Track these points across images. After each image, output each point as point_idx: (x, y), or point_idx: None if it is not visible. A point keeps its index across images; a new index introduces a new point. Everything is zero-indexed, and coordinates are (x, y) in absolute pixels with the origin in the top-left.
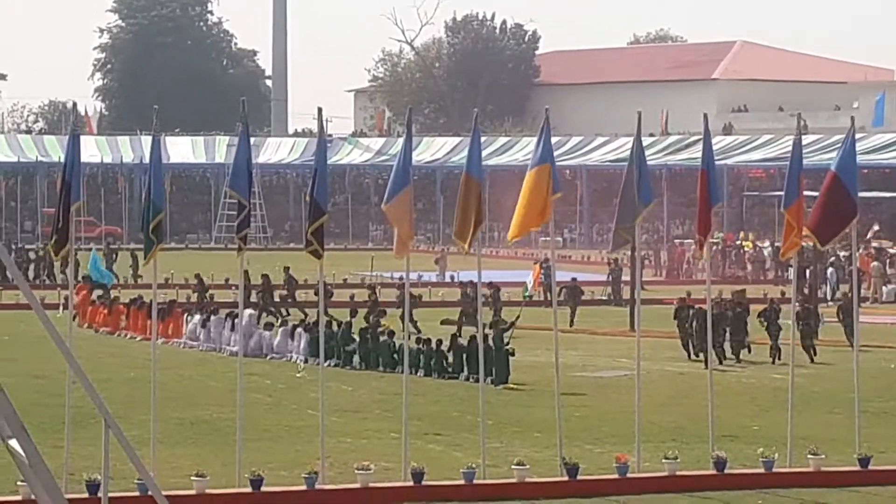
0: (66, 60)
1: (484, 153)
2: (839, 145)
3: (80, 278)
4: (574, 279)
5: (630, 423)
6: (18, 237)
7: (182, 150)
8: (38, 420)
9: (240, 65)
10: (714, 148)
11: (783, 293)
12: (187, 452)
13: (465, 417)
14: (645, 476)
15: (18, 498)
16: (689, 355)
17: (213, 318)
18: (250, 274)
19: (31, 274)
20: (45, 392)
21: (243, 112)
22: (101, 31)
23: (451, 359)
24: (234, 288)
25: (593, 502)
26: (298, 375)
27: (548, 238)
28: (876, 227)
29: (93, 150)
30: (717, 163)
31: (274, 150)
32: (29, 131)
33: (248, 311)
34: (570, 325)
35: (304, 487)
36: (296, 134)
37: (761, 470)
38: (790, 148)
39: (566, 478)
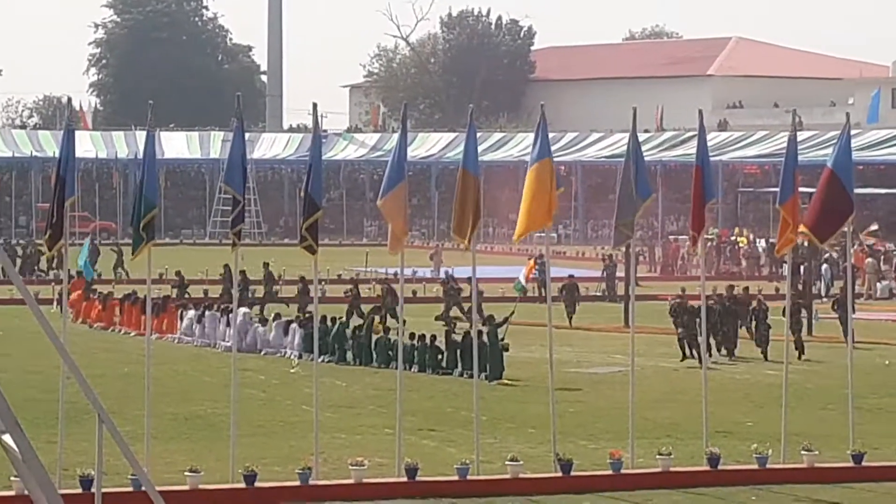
0: (61, 55)
1: (479, 149)
2: (834, 142)
3: (73, 273)
4: (571, 276)
5: (624, 419)
6: (13, 232)
7: (177, 145)
8: (31, 415)
9: (235, 60)
10: (709, 144)
11: (777, 289)
12: (181, 448)
13: (459, 413)
14: (639, 472)
15: (12, 493)
16: (684, 354)
17: (207, 313)
18: (246, 271)
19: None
20: (39, 387)
21: (238, 107)
22: (96, 26)
23: (445, 354)
24: (221, 282)
25: (587, 498)
26: (292, 371)
27: (542, 234)
28: (874, 227)
29: (87, 145)
30: (711, 159)
31: (269, 146)
32: (23, 126)
33: (243, 310)
34: (570, 324)
35: (297, 483)
36: (291, 129)
37: (755, 466)
38: (785, 144)
39: (560, 474)
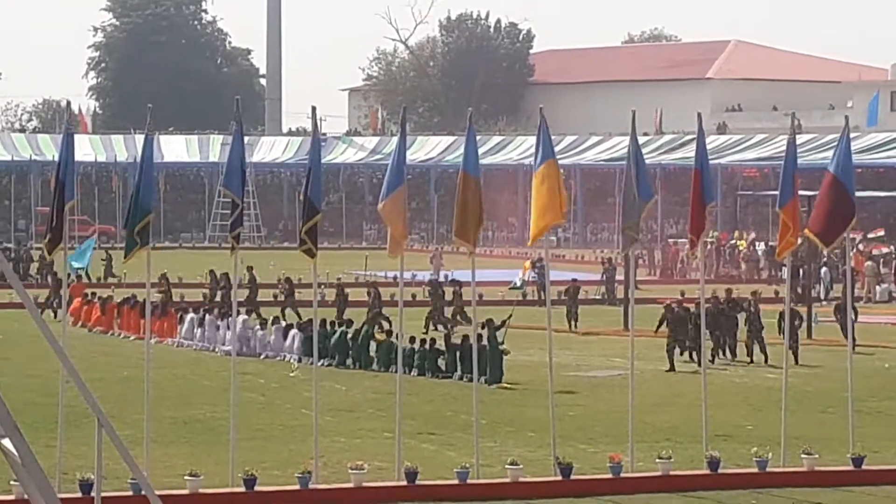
0: (61, 59)
1: (478, 152)
2: (833, 145)
3: (73, 277)
4: (574, 280)
5: (624, 422)
6: (12, 236)
7: (176, 148)
8: (31, 419)
9: (234, 63)
10: (708, 147)
11: (777, 293)
12: (181, 452)
13: (459, 417)
14: (638, 476)
15: (11, 497)
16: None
17: (207, 317)
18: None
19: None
20: (39, 391)
21: (237, 111)
22: (96, 29)
23: (445, 358)
24: (205, 286)
25: (587, 502)
26: (292, 375)
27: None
28: (881, 232)
29: (87, 148)
30: (710, 162)
31: (268, 149)
32: (23, 130)
33: (242, 317)
34: (571, 329)
35: (297, 487)
36: (290, 133)
37: (755, 470)
38: (784, 147)
39: (560, 477)
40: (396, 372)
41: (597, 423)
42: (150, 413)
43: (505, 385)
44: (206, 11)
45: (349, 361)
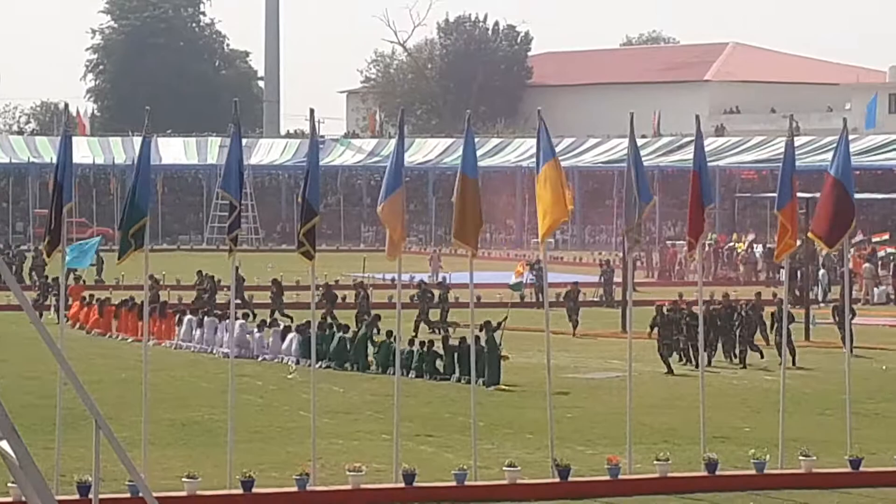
0: (59, 61)
1: (476, 154)
2: (831, 147)
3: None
4: (576, 283)
5: (622, 424)
6: (10, 238)
7: (174, 151)
8: (28, 421)
9: (232, 66)
10: (706, 149)
11: (774, 294)
12: (178, 454)
13: (457, 419)
14: (636, 478)
15: (9, 500)
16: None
17: (206, 319)
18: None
19: None
20: (36, 393)
21: (235, 113)
22: (94, 31)
23: (443, 359)
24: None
25: None
26: (290, 377)
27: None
28: (886, 236)
29: (85, 151)
30: (708, 164)
31: (266, 152)
32: (21, 132)
33: (240, 322)
34: (574, 333)
35: (295, 489)
36: (288, 135)
37: (753, 471)
38: (782, 149)
39: (558, 479)
40: (394, 374)
41: (595, 424)
42: (148, 415)
43: (503, 387)
44: (204, 14)
45: (347, 365)
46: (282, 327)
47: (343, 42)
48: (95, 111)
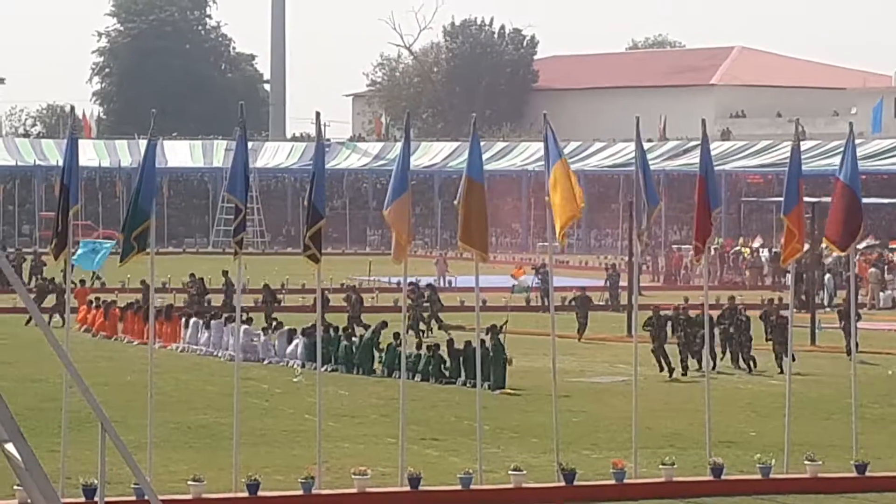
0: (65, 64)
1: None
2: (837, 151)
3: (77, 282)
4: (583, 288)
5: (627, 428)
6: (16, 241)
7: (180, 154)
8: (34, 424)
9: (238, 69)
10: (712, 153)
11: (780, 299)
12: (184, 457)
13: (462, 422)
14: (642, 482)
15: (15, 502)
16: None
17: (213, 322)
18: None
19: None
20: (42, 396)
21: (241, 116)
22: (100, 34)
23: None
24: (187, 290)
25: None
26: (295, 380)
27: (545, 243)
28: None
29: (91, 154)
30: (715, 168)
31: (272, 155)
32: (27, 135)
33: (244, 327)
34: (580, 339)
35: (300, 492)
36: (294, 138)
37: (758, 476)
38: (788, 154)
39: (563, 483)
40: (400, 377)
41: (600, 429)
42: (154, 418)
43: (508, 391)
44: (210, 17)
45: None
46: (286, 330)
47: (349, 45)
48: (101, 114)
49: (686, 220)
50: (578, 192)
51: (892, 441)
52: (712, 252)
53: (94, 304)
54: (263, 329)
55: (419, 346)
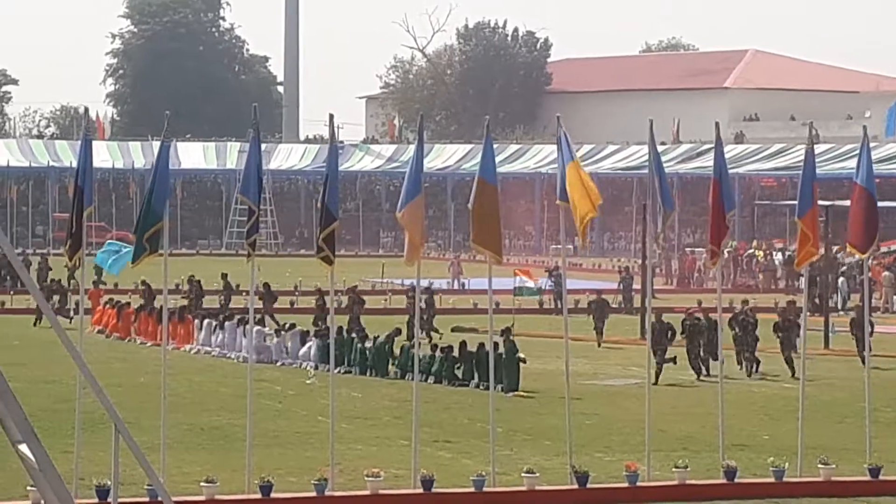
0: (78, 66)
1: (495, 160)
2: (851, 155)
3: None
4: (599, 292)
5: (640, 431)
6: (30, 242)
7: (194, 155)
8: (48, 425)
9: (251, 71)
10: (725, 157)
11: (794, 302)
12: (197, 458)
13: (475, 425)
14: (655, 485)
15: (28, 503)
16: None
17: (227, 323)
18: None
19: None
20: (56, 397)
21: (255, 118)
22: (114, 36)
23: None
24: (184, 292)
25: None
26: (308, 382)
27: (559, 246)
28: None
29: (104, 155)
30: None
31: (285, 157)
32: (41, 136)
33: (257, 328)
34: (599, 344)
35: (313, 494)
36: (307, 140)
37: (772, 479)
38: (801, 157)
39: (576, 486)
40: (413, 380)
41: (613, 431)
42: (167, 419)
43: (521, 393)
44: (223, 19)
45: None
46: (300, 332)
47: (362, 47)
48: (115, 115)
49: (699, 224)
50: (594, 190)
51: None
52: (725, 255)
53: (107, 305)
54: (276, 331)
55: (433, 348)
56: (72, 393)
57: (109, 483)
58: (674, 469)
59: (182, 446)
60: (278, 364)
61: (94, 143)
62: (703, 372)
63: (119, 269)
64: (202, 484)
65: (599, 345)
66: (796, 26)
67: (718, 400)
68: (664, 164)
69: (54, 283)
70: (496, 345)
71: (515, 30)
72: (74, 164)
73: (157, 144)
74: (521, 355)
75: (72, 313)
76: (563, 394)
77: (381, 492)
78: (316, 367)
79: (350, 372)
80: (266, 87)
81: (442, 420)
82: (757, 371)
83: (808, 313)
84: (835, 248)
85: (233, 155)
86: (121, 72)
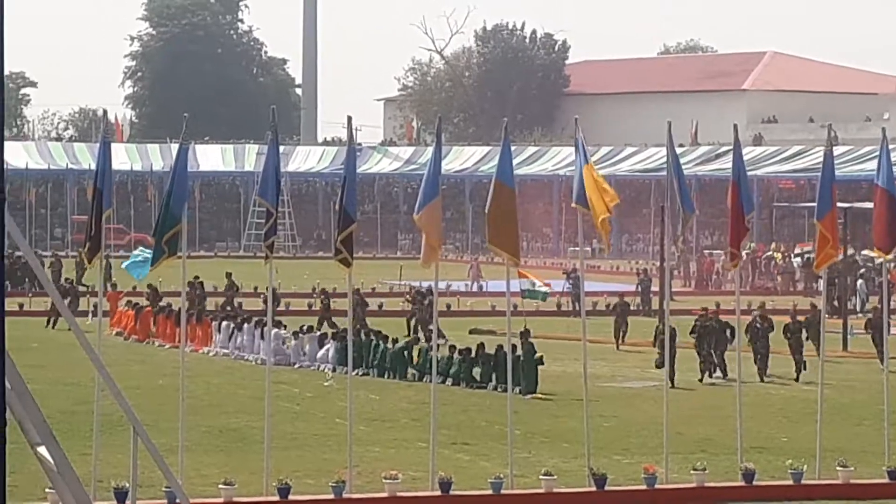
0: (97, 68)
1: (513, 163)
2: (869, 157)
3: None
4: (622, 294)
5: (658, 434)
6: (48, 244)
7: (212, 158)
8: (66, 427)
9: (270, 73)
10: (744, 159)
11: (813, 305)
12: (215, 460)
13: (493, 427)
14: (673, 487)
15: None
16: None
17: (246, 325)
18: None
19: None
20: (74, 399)
21: (273, 120)
22: (132, 38)
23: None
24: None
25: None
26: (326, 384)
27: (576, 248)
28: None
29: (123, 157)
30: (747, 173)
31: (303, 159)
32: (59, 138)
33: (275, 331)
34: (618, 348)
35: (331, 496)
36: (325, 142)
37: (790, 482)
38: (820, 159)
39: (594, 488)
40: (431, 382)
41: (631, 434)
42: (185, 421)
43: (539, 395)
44: (242, 21)
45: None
46: (318, 334)
47: (380, 50)
48: (133, 118)
49: (717, 226)
50: (608, 191)
51: None
52: (744, 257)
53: (135, 306)
54: (294, 333)
55: (451, 350)
56: (90, 395)
57: (128, 485)
58: (692, 471)
59: (200, 448)
60: (296, 366)
61: (113, 145)
62: (716, 374)
63: (140, 273)
64: (220, 486)
65: (618, 347)
66: (815, 28)
67: (736, 402)
68: (682, 166)
69: (68, 281)
70: (514, 347)
71: (533, 32)
72: (93, 167)
73: (175, 147)
74: (540, 354)
75: (90, 317)
76: (581, 396)
77: (399, 494)
78: (334, 370)
79: (368, 374)
80: (284, 89)
81: (460, 422)
82: (765, 371)
83: (827, 315)
84: (850, 251)
85: (251, 157)
86: (139, 74)
